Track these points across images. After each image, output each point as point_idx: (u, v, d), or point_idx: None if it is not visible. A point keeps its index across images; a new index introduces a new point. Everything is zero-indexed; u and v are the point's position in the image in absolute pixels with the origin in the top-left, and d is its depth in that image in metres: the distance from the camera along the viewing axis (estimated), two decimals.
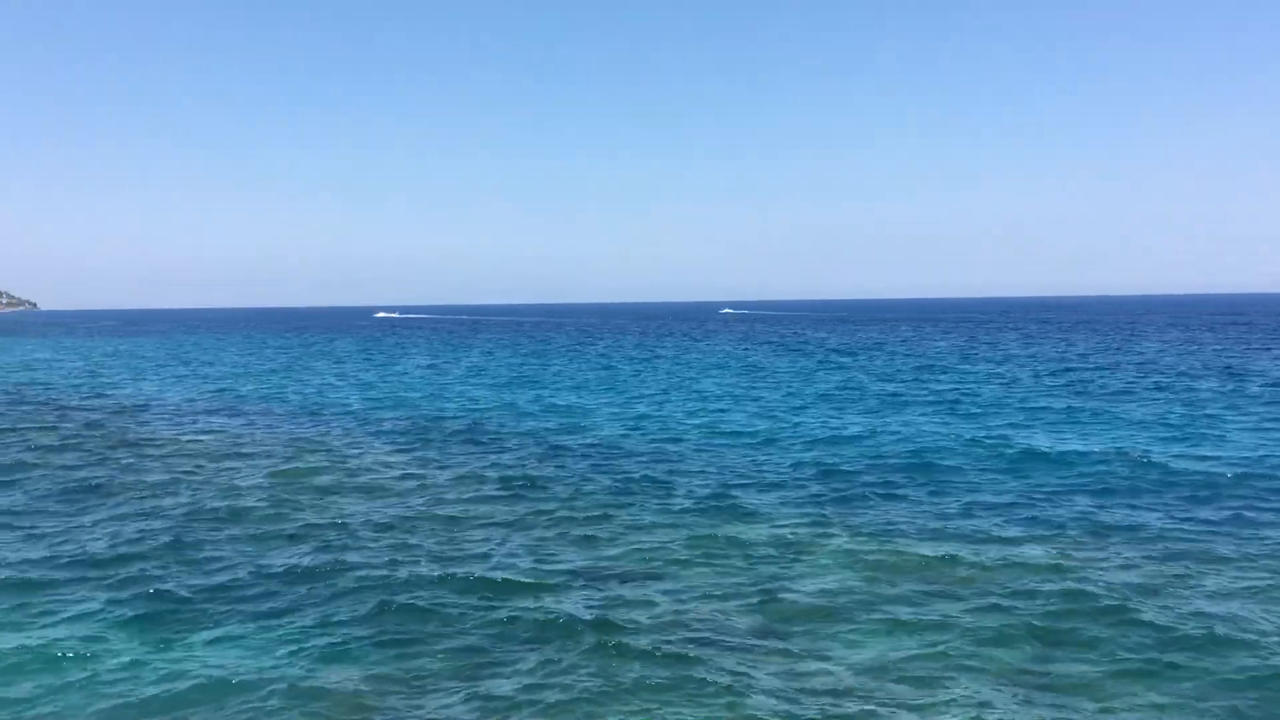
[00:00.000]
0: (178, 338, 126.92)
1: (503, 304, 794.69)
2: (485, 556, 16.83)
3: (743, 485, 22.95)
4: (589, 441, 30.17)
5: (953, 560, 16.24)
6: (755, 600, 14.57)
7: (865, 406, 38.63)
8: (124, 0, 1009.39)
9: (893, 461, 25.78)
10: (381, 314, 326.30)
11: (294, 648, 12.94)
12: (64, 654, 12.62)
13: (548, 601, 14.48)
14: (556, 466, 25.77)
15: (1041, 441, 28.52)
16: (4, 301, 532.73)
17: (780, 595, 14.70)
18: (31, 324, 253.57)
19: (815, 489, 22.37)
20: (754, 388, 47.31)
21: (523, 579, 15.49)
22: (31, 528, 19.29)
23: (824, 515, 19.68)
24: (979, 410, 36.84)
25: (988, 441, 28.54)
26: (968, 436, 29.62)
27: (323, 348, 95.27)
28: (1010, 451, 26.88)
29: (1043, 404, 38.20)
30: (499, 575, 15.67)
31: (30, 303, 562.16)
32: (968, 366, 58.29)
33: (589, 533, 18.49)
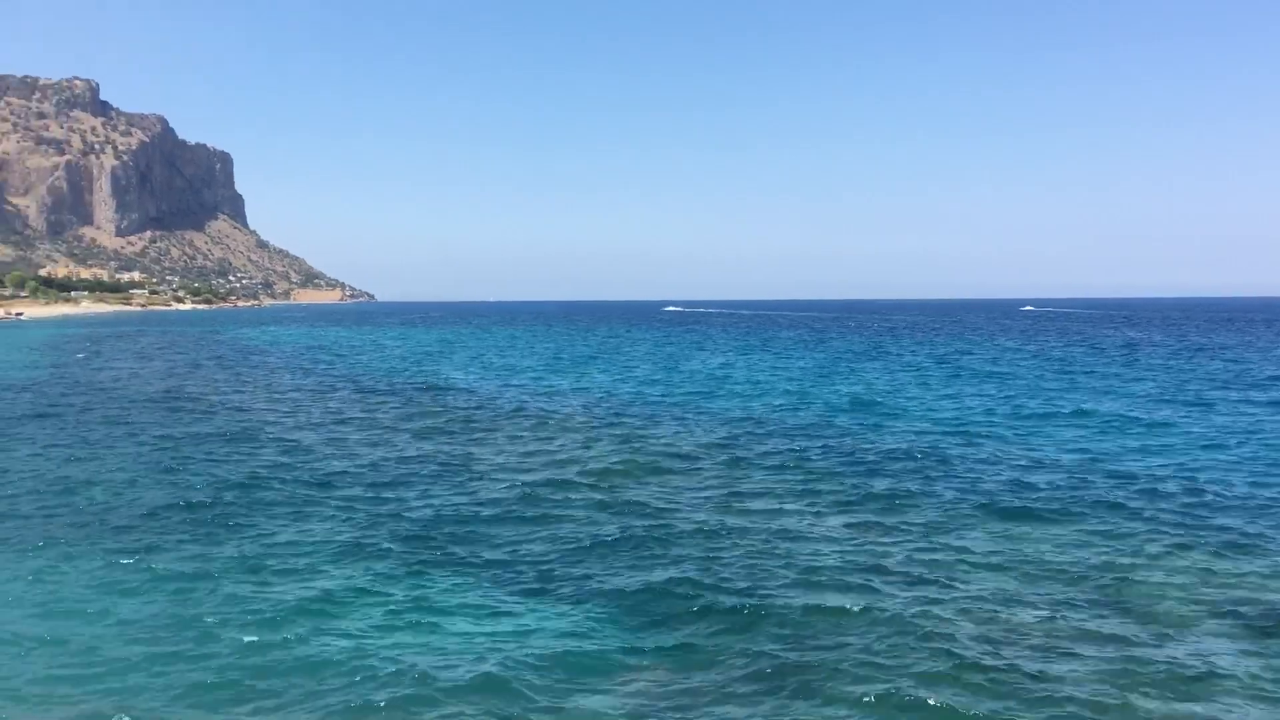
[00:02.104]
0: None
1: (783, 299, 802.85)
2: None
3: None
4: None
5: None
6: None
7: None
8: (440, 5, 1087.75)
9: None
10: (671, 308, 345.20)
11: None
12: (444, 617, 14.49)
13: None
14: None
15: None
16: (348, 293, 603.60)
17: None
18: (375, 312, 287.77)
19: None
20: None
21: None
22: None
23: None
24: None
25: None
26: None
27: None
28: None
29: None
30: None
31: (369, 294, 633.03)
32: None
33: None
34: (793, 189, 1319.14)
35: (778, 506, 21.84)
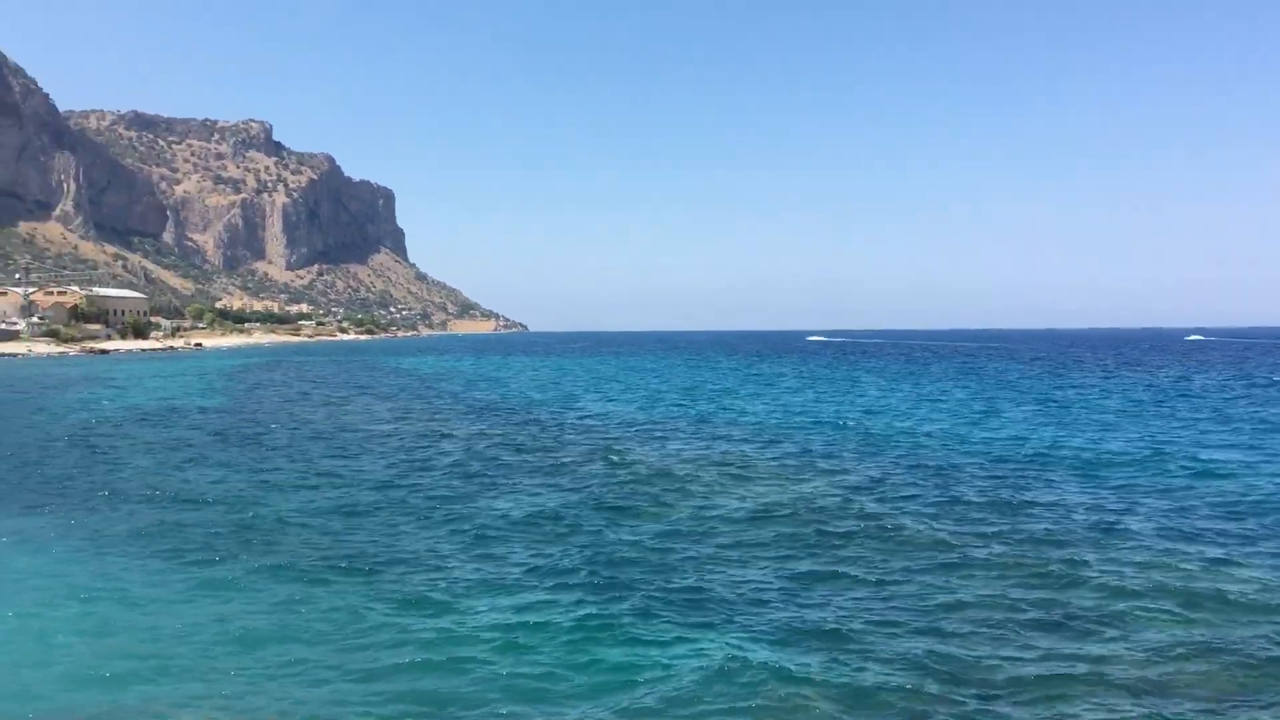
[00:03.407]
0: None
1: (932, 329, 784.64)
2: None
3: None
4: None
5: None
6: None
7: None
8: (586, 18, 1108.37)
9: None
10: (814, 338, 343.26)
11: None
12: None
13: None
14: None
15: None
16: (502, 323, 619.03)
17: None
18: (532, 342, 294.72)
19: None
20: None
21: None
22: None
23: None
24: None
25: None
26: None
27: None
28: None
29: None
30: None
31: (521, 324, 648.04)
32: None
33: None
34: (932, 211, 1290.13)
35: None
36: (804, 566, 18.52)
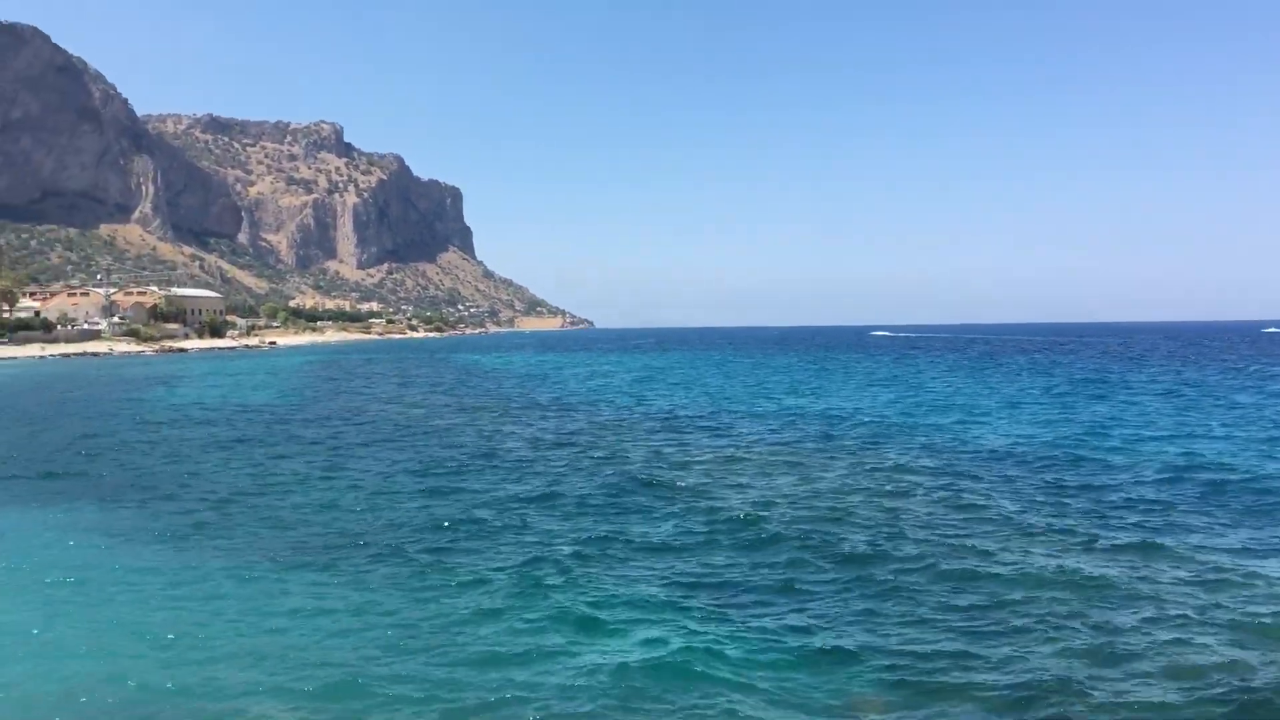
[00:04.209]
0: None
1: (997, 322, 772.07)
2: None
3: None
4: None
5: None
6: None
7: None
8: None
9: None
10: (878, 333, 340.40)
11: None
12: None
13: None
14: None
15: None
16: (569, 320, 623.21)
17: None
18: (595, 339, 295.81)
19: None
20: None
21: None
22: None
23: None
24: None
25: None
26: None
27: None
28: None
29: None
30: None
31: (588, 321, 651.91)
32: None
33: None
34: (1000, 204, 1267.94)
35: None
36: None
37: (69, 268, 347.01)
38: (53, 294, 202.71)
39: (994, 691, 12.41)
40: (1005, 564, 18.10)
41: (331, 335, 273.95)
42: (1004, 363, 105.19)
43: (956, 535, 20.58)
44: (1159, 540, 19.79)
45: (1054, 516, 22.32)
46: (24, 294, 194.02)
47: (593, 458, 33.27)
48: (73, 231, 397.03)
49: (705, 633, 14.65)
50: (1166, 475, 28.07)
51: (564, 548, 19.87)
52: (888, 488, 26.39)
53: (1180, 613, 15.21)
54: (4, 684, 13.10)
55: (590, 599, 16.33)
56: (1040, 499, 24.59)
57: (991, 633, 14.57)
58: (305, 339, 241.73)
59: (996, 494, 25.25)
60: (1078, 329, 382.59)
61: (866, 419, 45.32)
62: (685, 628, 14.85)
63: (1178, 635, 14.25)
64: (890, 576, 17.46)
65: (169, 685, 13.04)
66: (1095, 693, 12.30)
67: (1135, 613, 15.27)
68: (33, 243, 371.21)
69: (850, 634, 14.65)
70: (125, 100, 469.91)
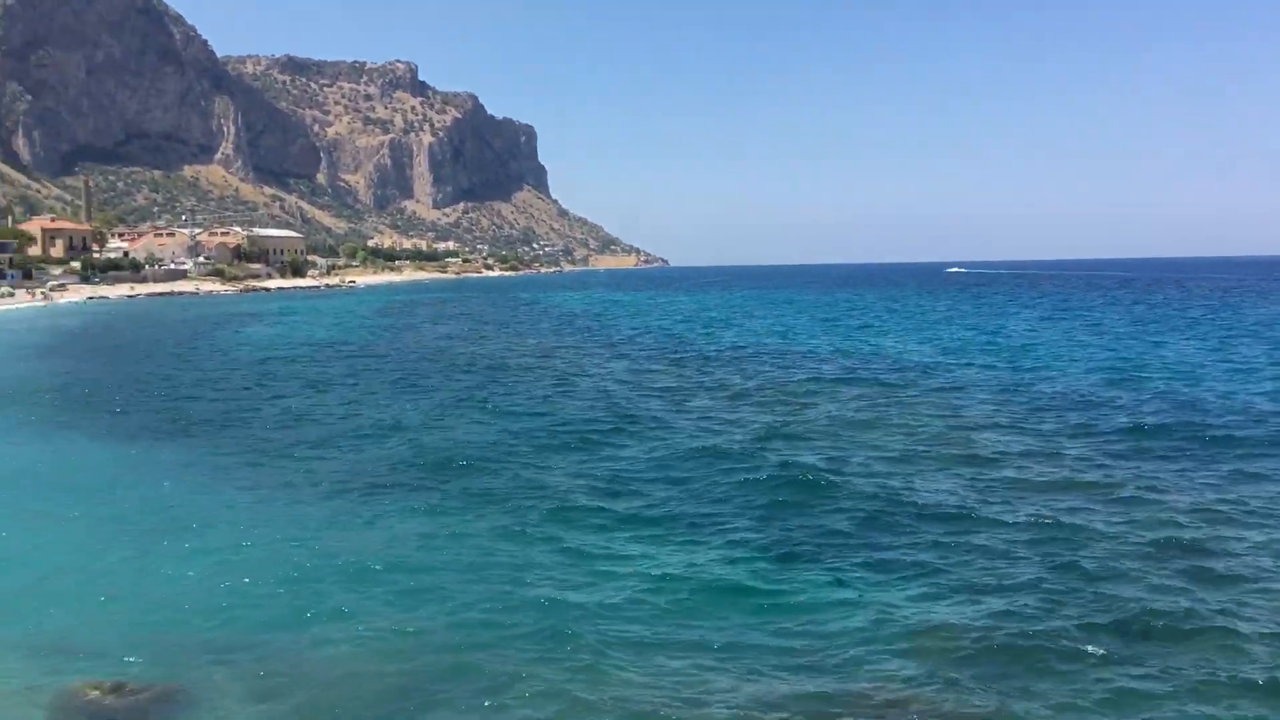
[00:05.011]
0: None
1: (1077, 259, 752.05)
2: None
3: None
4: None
5: None
6: None
7: None
8: None
9: None
10: (953, 269, 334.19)
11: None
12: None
13: None
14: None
15: None
16: (643, 258, 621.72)
17: None
18: (671, 277, 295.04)
19: None
20: None
21: None
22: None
23: None
24: None
25: None
26: None
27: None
28: None
29: None
30: None
31: (662, 259, 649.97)
32: None
33: None
34: (1082, 143, 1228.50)
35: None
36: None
37: (155, 209, 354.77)
38: (140, 235, 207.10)
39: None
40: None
41: (409, 274, 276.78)
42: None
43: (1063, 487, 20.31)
44: None
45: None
46: (113, 234, 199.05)
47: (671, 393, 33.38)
48: (157, 173, 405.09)
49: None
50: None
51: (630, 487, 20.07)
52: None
53: None
54: (118, 612, 13.67)
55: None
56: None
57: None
58: (383, 278, 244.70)
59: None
60: (1146, 264, 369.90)
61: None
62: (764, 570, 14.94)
63: None
64: (984, 537, 17.22)
65: (271, 608, 13.54)
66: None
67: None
68: (119, 184, 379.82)
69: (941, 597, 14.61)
70: (205, 41, 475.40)
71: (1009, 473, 20.63)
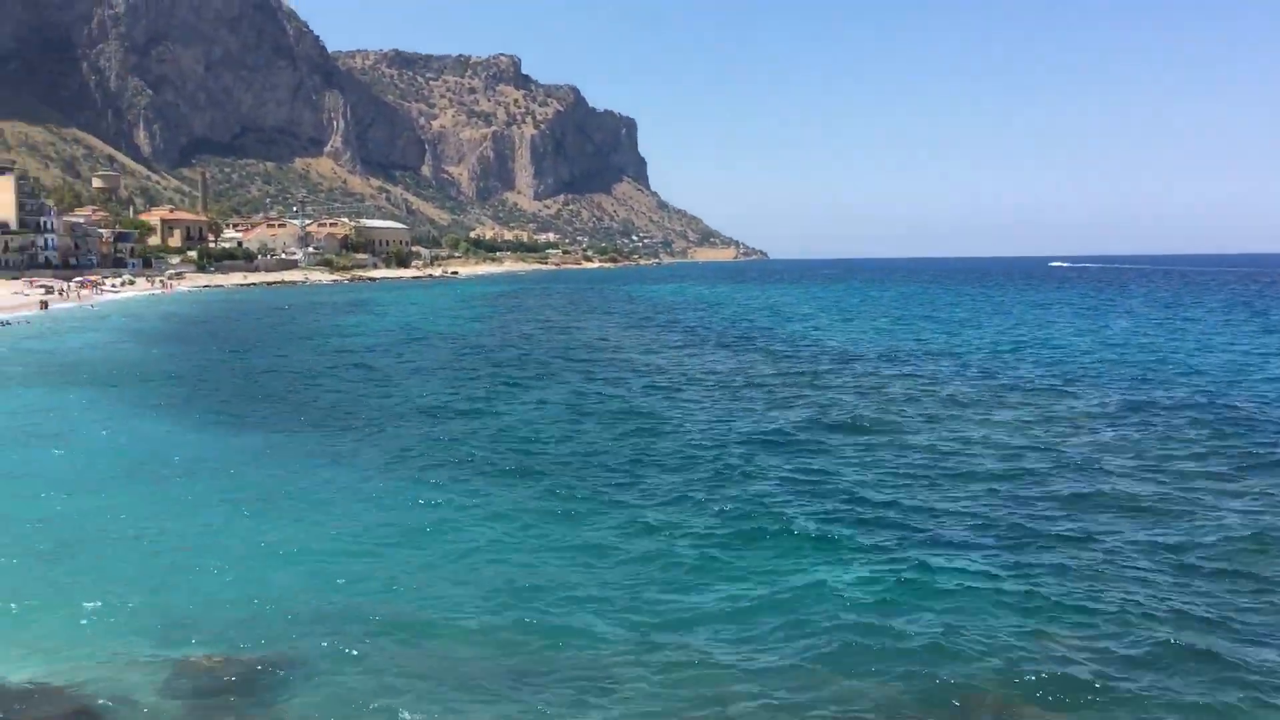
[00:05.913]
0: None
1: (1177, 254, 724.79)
2: None
3: None
4: None
5: None
6: None
7: None
8: None
9: None
10: (1056, 263, 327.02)
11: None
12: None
13: None
14: None
15: None
16: (742, 251, 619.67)
17: None
18: (771, 270, 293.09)
19: None
20: None
21: None
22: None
23: None
24: None
25: None
26: None
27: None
28: None
29: None
30: None
31: (761, 252, 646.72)
32: None
33: None
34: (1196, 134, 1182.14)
35: None
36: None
37: (267, 200, 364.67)
38: (253, 225, 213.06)
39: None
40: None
41: (510, 265, 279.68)
42: None
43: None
44: None
45: None
46: (228, 225, 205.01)
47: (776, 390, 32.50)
48: (270, 165, 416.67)
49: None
50: None
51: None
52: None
53: None
54: (233, 585, 13.64)
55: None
56: None
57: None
58: (484, 269, 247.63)
59: None
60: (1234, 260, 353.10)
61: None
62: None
63: None
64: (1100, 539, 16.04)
65: (381, 588, 13.60)
66: None
67: None
68: (234, 176, 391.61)
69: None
70: (316, 37, 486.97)
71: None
